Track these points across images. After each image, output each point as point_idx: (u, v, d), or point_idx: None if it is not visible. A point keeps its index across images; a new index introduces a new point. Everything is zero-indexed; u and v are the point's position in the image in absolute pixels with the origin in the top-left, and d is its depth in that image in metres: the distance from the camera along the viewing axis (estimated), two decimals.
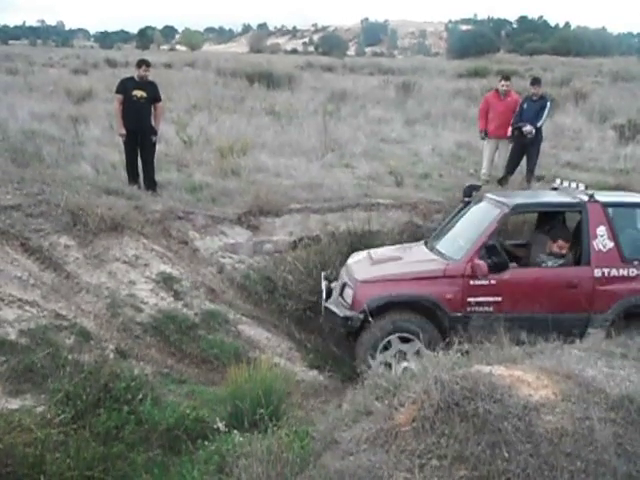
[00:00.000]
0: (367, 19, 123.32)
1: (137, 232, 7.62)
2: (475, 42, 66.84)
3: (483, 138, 10.96)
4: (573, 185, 7.04)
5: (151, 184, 9.13)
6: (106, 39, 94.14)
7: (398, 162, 11.31)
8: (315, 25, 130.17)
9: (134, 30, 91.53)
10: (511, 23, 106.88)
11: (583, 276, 6.26)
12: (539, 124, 10.23)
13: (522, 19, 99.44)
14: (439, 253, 6.69)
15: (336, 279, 7.10)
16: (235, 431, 4.22)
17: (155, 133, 9.17)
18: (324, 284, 6.96)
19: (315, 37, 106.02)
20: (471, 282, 6.19)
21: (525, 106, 10.42)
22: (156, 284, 7.14)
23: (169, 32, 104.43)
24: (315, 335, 7.42)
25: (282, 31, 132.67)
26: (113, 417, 4.13)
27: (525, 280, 6.33)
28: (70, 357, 5.16)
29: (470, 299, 6.19)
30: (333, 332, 7.11)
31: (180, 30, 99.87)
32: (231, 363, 5.55)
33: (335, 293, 6.77)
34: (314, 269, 7.74)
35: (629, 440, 3.07)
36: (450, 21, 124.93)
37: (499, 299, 6.19)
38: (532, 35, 77.22)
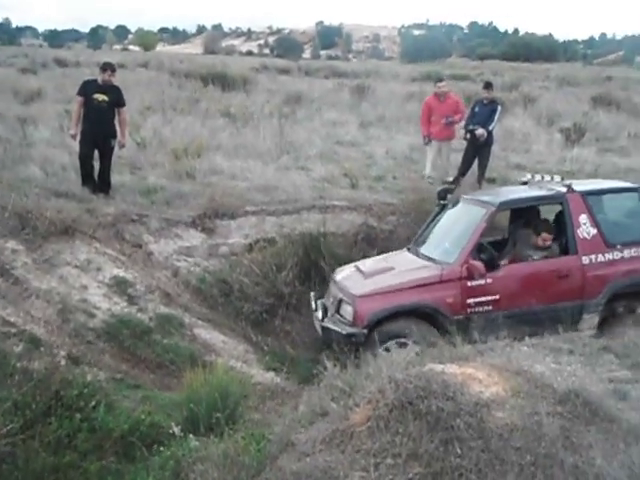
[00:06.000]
0: (322, 22, 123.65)
1: (89, 236, 7.51)
2: (428, 47, 67.84)
3: (426, 143, 11.02)
4: (547, 177, 7.17)
5: (104, 187, 8.98)
6: (56, 38, 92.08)
7: (353, 164, 11.38)
8: (270, 27, 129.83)
9: (85, 29, 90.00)
10: (462, 29, 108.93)
11: (573, 265, 6.42)
12: (491, 127, 10.43)
13: (473, 25, 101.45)
14: (428, 258, 6.66)
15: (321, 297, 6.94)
16: (191, 436, 4.18)
17: (115, 137, 9.01)
18: (320, 304, 6.74)
19: (270, 39, 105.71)
20: (468, 284, 6.21)
21: (477, 109, 10.62)
22: (109, 288, 7.05)
23: (121, 32, 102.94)
24: (272, 337, 7.43)
25: (237, 32, 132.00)
26: (65, 425, 4.06)
27: (519, 275, 6.44)
28: (19, 365, 5.03)
29: (469, 301, 6.20)
30: (289, 334, 7.14)
31: (133, 30, 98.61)
32: (187, 367, 5.51)
33: (330, 311, 6.57)
34: (270, 271, 7.75)
35: (575, 433, 3.17)
36: (403, 26, 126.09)
37: (497, 297, 6.24)
38: (483, 40, 78.70)
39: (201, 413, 4.50)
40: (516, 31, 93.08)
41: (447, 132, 10.73)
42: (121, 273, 7.27)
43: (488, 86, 11.01)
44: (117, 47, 73.14)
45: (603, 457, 3.04)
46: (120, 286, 7.11)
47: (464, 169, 10.61)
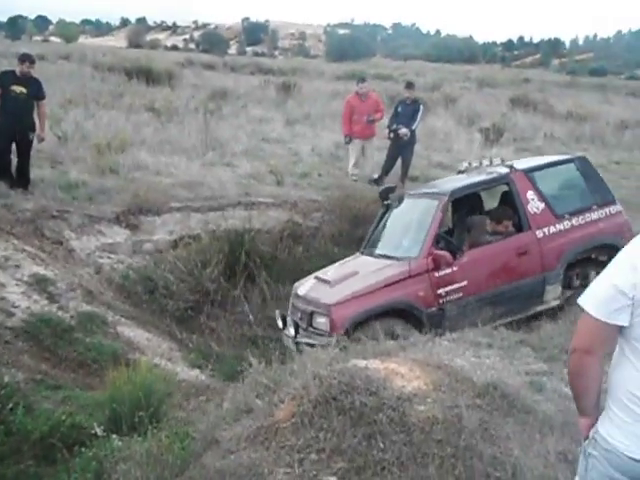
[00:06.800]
0: (248, 18, 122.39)
1: (6, 232, 7.25)
2: (352, 46, 68.54)
3: (347, 143, 11.14)
4: (485, 162, 7.33)
5: (23, 181, 8.67)
6: None
7: (278, 161, 11.40)
8: (196, 22, 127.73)
9: (3, 18, 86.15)
10: (386, 29, 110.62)
11: (529, 240, 6.62)
12: (414, 127, 10.67)
13: (396, 25, 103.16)
14: (388, 257, 6.66)
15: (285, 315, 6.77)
16: (114, 435, 4.11)
17: (34, 130, 8.70)
18: (290, 320, 6.58)
19: (196, 34, 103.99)
20: (436, 274, 6.28)
21: (400, 109, 10.85)
22: (28, 286, 6.82)
23: (42, 22, 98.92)
24: (197, 334, 7.37)
25: (162, 26, 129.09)
26: None
27: (482, 259, 6.56)
28: None
29: (440, 291, 6.27)
30: (214, 331, 7.10)
31: (54, 21, 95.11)
32: (110, 366, 5.40)
33: (301, 326, 6.39)
34: (195, 268, 7.69)
35: (494, 425, 3.30)
36: (329, 24, 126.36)
37: (465, 283, 6.34)
38: (406, 41, 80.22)
39: (124, 412, 4.42)
40: (438, 32, 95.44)
41: (369, 130, 10.94)
42: (41, 270, 7.05)
43: (410, 86, 11.29)
44: (37, 38, 70.16)
45: (520, 448, 3.17)
46: (40, 284, 6.88)
47: (388, 167, 10.82)
